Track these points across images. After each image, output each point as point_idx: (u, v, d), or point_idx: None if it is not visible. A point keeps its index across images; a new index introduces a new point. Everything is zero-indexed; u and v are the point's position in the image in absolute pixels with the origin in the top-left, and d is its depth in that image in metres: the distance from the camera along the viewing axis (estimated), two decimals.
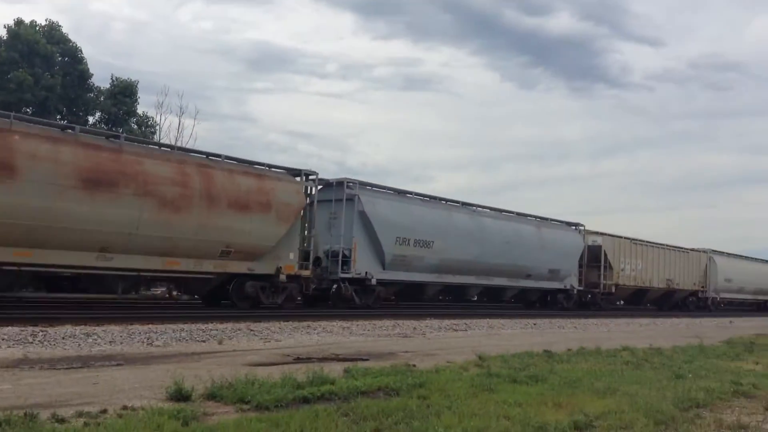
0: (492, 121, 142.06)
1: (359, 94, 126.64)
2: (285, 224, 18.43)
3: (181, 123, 42.81)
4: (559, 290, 30.16)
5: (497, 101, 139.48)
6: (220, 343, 11.12)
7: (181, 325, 12.85)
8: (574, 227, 31.90)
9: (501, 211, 28.05)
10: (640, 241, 35.27)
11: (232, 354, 9.81)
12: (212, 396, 6.23)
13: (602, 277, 31.50)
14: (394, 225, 22.03)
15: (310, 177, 19.97)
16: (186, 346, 10.63)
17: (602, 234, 32.44)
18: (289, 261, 18.88)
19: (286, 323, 14.61)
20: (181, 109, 44.04)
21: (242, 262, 17.68)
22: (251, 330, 13.08)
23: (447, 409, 6.05)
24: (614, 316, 27.46)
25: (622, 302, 38.23)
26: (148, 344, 10.54)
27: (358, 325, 15.50)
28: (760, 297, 48.90)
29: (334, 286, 21.44)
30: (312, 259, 19.78)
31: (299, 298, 20.62)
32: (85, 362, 8.29)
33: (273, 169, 19.31)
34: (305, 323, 14.84)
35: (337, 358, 9.64)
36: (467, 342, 13.38)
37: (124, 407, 5.66)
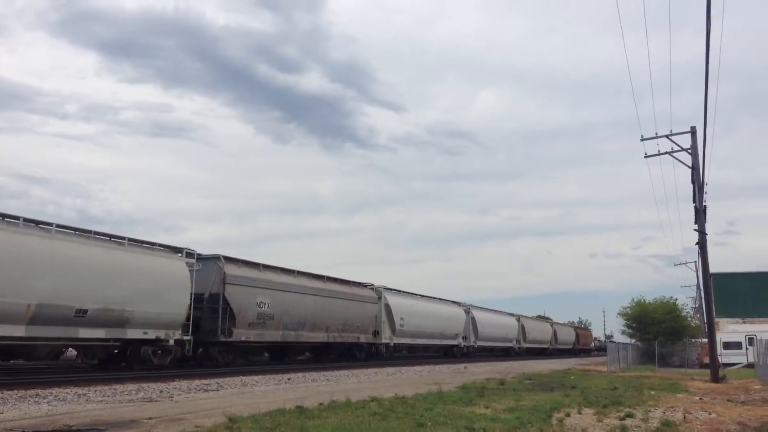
0: (247, 173, 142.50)
1: (104, 138, 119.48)
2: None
3: None
4: None
5: (252, 153, 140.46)
6: None
7: None
8: None
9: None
10: None
11: None
12: None
13: None
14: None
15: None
16: None
17: None
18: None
19: (10, 392, 12.95)
20: None
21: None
22: None
23: None
24: (357, 367, 28.44)
25: None
26: None
27: (96, 390, 14.23)
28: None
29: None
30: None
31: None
32: None
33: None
34: (33, 391, 13.28)
35: (70, 430, 8.72)
36: (219, 403, 12.90)
37: None
